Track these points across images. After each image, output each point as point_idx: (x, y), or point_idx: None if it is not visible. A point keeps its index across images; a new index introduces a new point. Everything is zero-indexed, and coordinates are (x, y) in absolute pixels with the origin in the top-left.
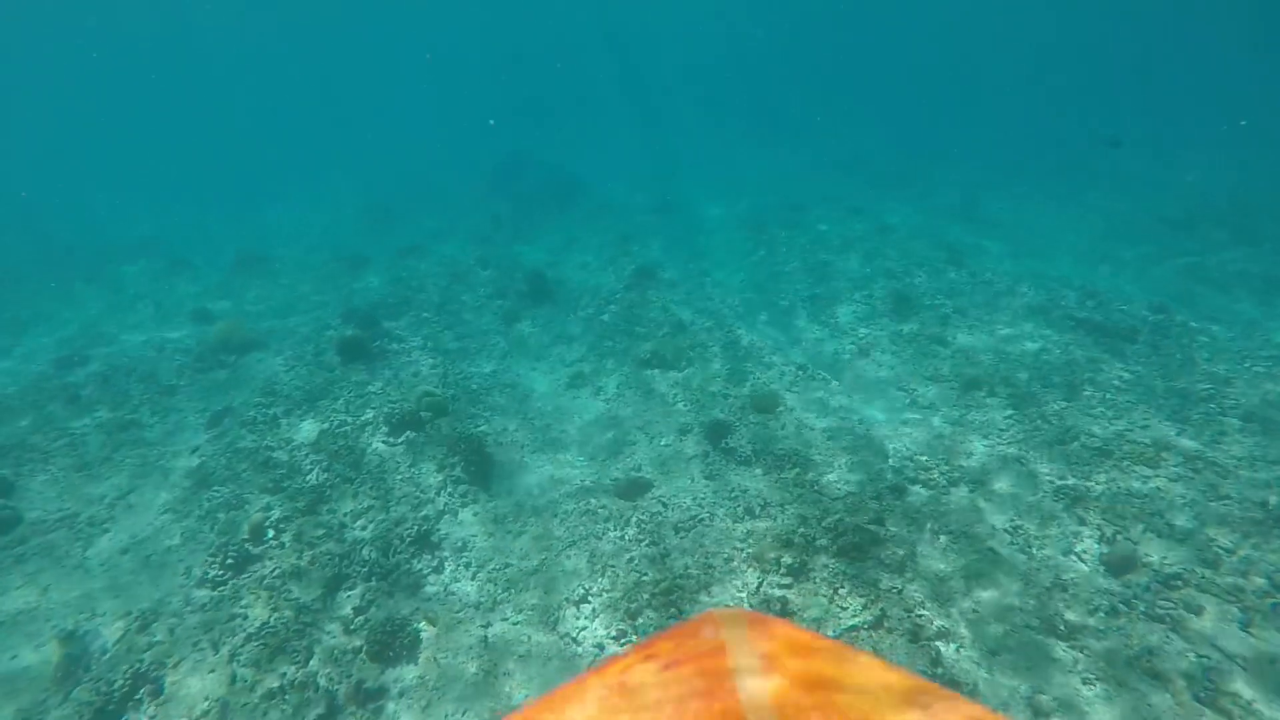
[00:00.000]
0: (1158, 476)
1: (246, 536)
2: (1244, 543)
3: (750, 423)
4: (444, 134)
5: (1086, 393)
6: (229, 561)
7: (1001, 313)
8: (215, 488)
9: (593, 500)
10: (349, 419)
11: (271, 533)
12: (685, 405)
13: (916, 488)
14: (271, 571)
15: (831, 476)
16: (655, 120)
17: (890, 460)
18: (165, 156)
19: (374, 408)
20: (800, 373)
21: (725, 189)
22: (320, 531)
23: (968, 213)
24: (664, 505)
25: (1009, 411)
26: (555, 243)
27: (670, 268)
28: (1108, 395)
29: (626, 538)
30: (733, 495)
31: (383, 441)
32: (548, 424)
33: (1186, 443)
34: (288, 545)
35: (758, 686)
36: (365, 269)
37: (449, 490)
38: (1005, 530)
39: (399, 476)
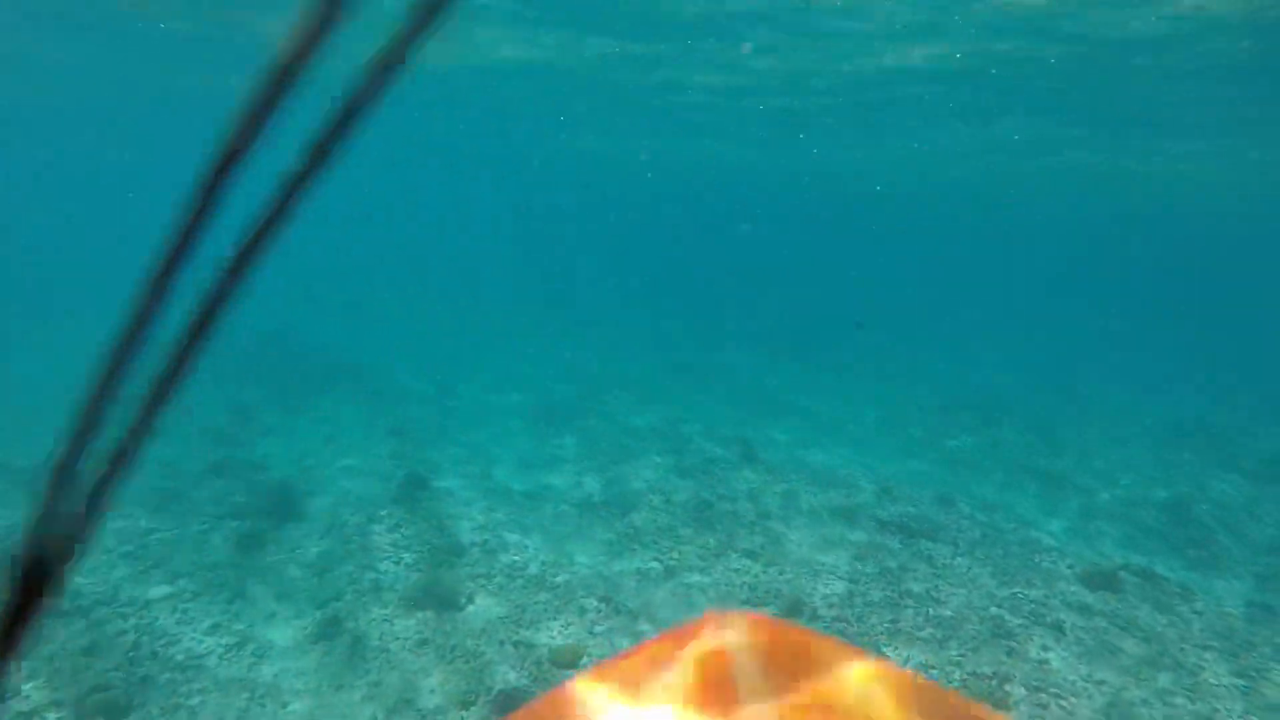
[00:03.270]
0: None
1: None
2: None
3: (552, 685)
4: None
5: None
6: None
7: (801, 515)
8: None
9: None
10: None
11: None
12: (466, 664)
13: None
14: None
15: None
16: (443, 299)
17: None
18: None
19: None
20: (604, 605)
21: (515, 374)
22: None
23: (762, 402)
24: None
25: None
26: (312, 441)
27: (448, 472)
28: (930, 611)
29: None
30: None
31: None
32: (285, 702)
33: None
34: None
35: (757, 687)
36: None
37: None
38: None
39: None
